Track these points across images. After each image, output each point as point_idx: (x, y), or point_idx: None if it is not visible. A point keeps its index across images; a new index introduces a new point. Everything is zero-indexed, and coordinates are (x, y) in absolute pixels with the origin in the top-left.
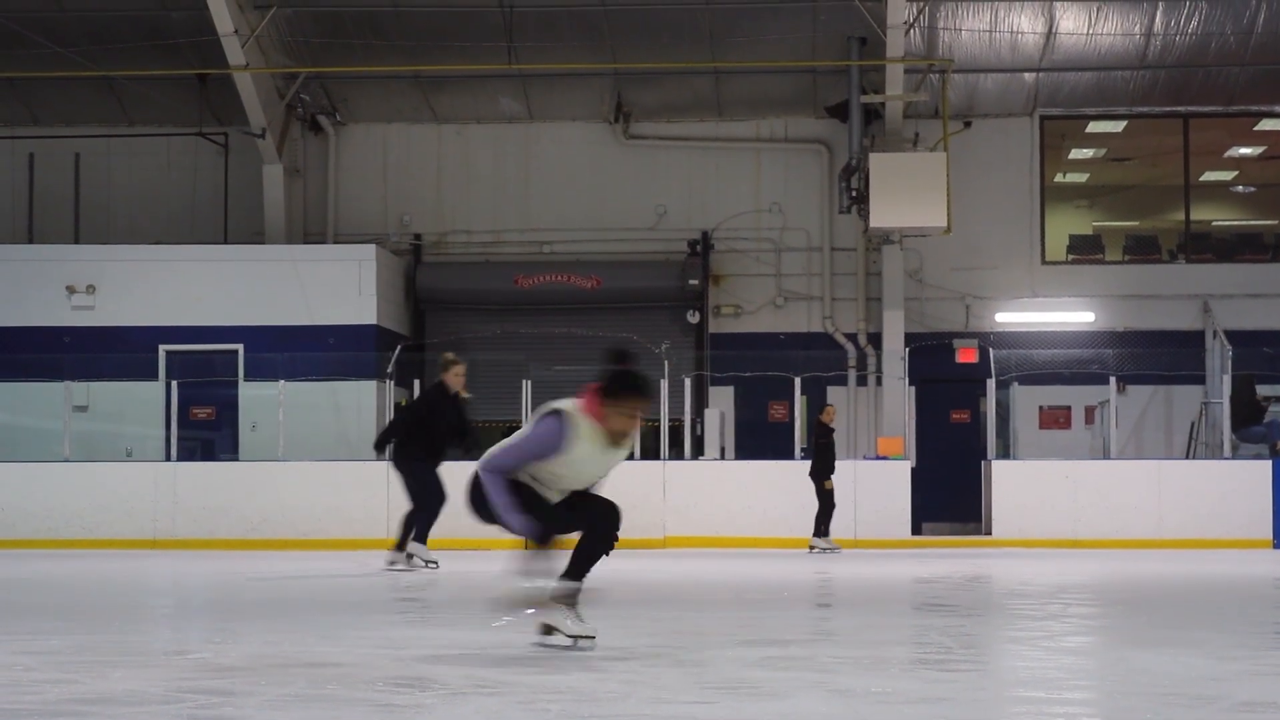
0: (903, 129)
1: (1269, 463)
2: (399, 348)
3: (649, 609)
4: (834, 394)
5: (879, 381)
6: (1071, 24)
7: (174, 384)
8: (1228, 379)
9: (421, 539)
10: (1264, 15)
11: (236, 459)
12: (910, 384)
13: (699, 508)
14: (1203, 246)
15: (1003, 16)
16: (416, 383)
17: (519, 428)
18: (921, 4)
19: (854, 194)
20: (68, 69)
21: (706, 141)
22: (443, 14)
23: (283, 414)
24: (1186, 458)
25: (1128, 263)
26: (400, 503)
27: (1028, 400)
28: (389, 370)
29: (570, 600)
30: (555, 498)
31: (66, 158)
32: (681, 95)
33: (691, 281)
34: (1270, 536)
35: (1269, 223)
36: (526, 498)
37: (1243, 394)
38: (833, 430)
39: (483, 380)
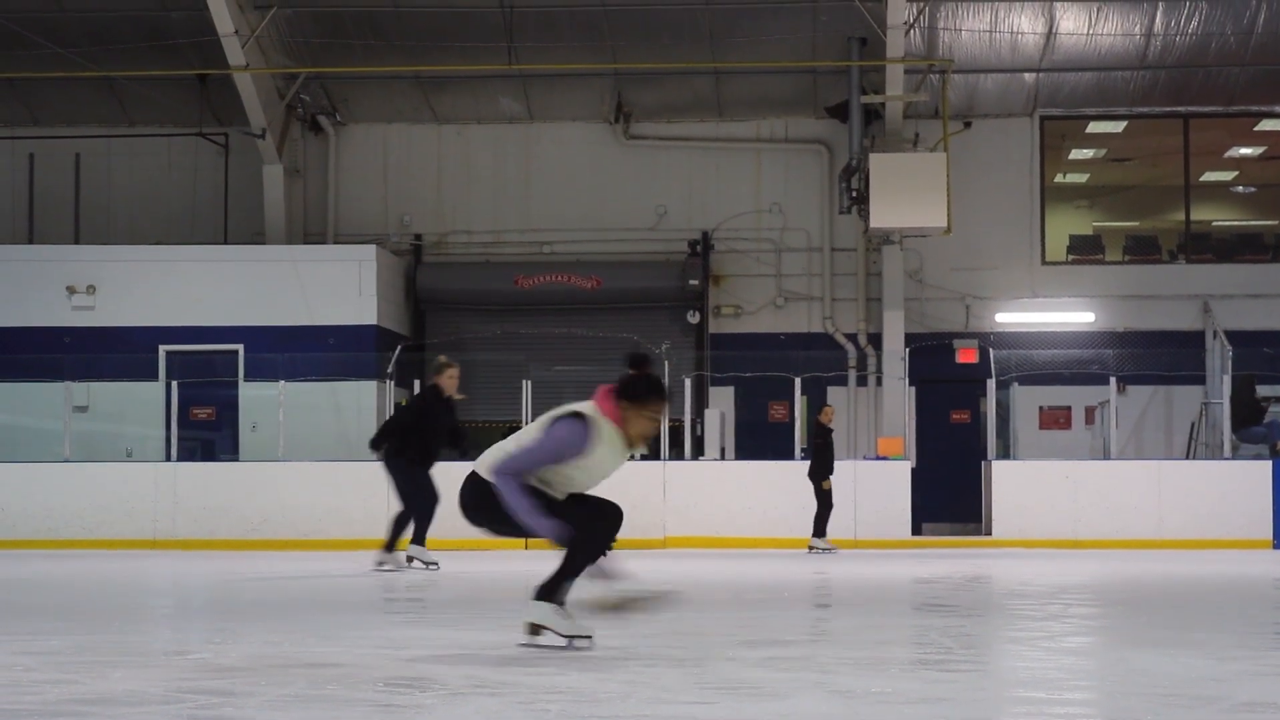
0: (903, 129)
1: (1269, 463)
2: (399, 348)
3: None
4: (834, 394)
5: (879, 382)
6: (1072, 24)
7: (174, 384)
8: (1228, 379)
9: (420, 541)
10: (1264, 15)
11: (237, 459)
12: (910, 384)
13: (699, 508)
14: (1203, 247)
15: (1003, 17)
16: (416, 383)
17: (519, 428)
18: (921, 4)
19: (854, 194)
20: (68, 69)
21: (707, 142)
22: (443, 14)
23: (283, 414)
24: (1187, 458)
25: (1128, 263)
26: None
27: (1028, 400)
28: (389, 370)
29: (563, 599)
30: (560, 500)
31: (67, 158)
32: (682, 95)
33: (692, 282)
34: (1270, 537)
35: (1269, 223)
36: (545, 501)
37: (1243, 394)
38: (831, 431)
39: (483, 380)
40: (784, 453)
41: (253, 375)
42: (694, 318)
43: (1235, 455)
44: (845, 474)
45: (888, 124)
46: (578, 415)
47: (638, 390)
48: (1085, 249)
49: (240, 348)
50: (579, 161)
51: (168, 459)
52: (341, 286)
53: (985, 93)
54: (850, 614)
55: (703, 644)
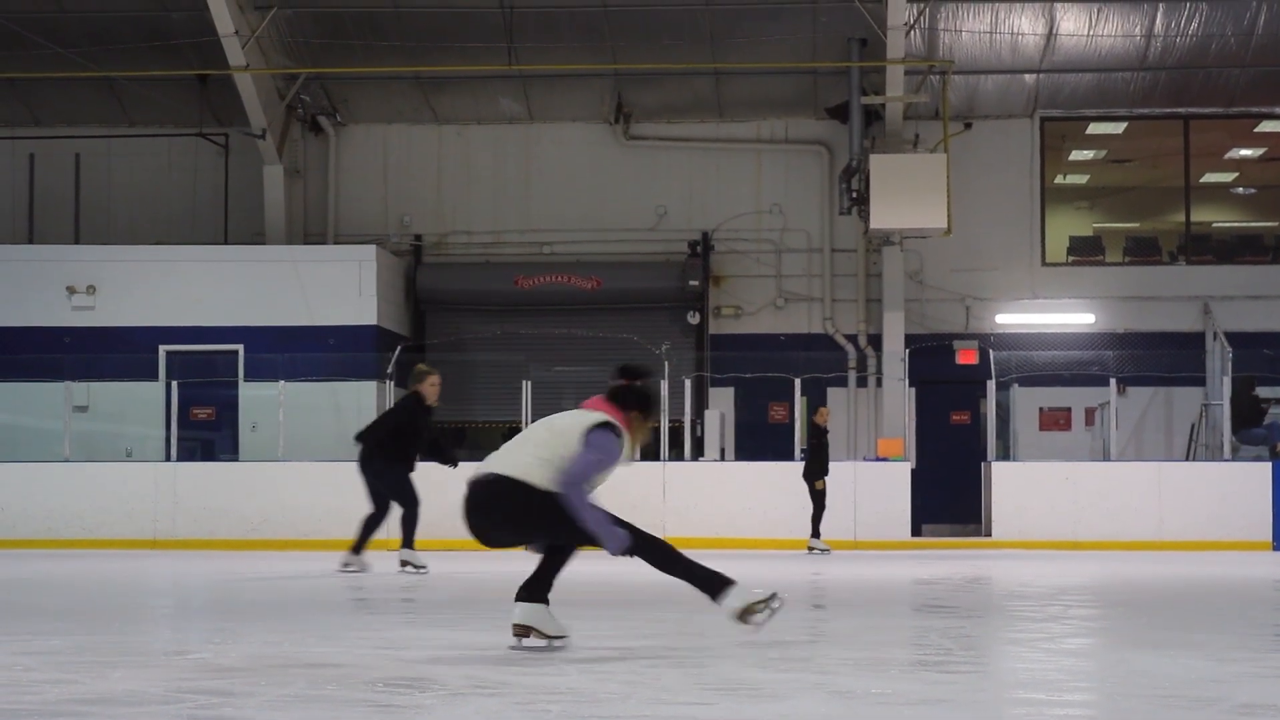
0: (903, 130)
1: (1269, 465)
2: (399, 348)
3: (649, 610)
4: (834, 395)
5: (879, 383)
6: (1072, 25)
7: (174, 384)
8: (1228, 381)
9: (409, 544)
10: (1264, 17)
11: (237, 459)
12: (910, 385)
13: (699, 509)
14: (1203, 248)
15: (1003, 18)
16: (439, 384)
17: (519, 429)
18: (922, 5)
19: (854, 195)
20: (68, 69)
21: (707, 142)
22: (443, 15)
23: (283, 414)
24: (1186, 459)
25: (1128, 264)
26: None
27: (1028, 402)
28: (389, 371)
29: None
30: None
31: (67, 158)
32: (682, 96)
33: (692, 282)
34: (1270, 539)
35: (1269, 224)
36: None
37: (1243, 396)
38: (826, 432)
39: (483, 381)
40: (784, 454)
41: (253, 375)
42: (694, 318)
43: (1235, 457)
44: (845, 475)
45: (888, 125)
46: (610, 426)
47: (645, 402)
48: (1085, 250)
49: (240, 348)
50: (579, 162)
51: (168, 459)
52: (341, 287)
53: (985, 94)
54: (850, 615)
55: (703, 645)
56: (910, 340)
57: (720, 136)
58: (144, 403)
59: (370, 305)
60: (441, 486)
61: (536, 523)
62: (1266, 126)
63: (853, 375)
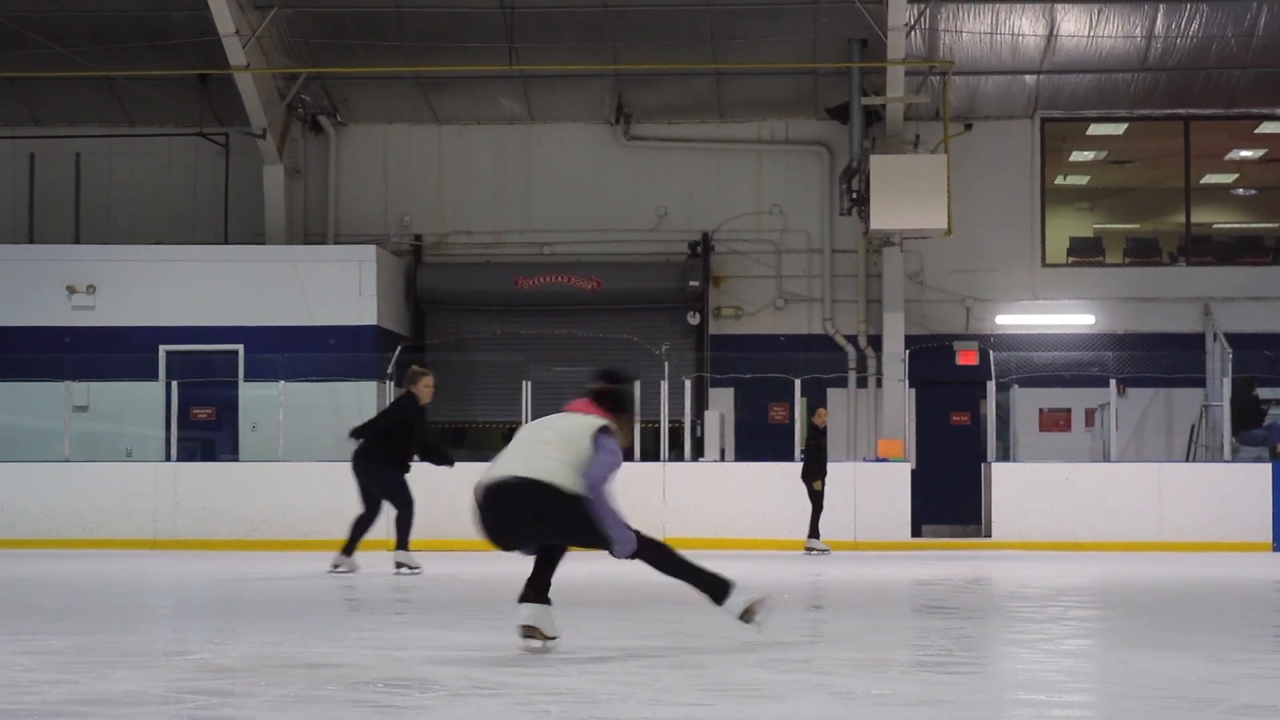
0: (903, 131)
1: (1269, 466)
2: (399, 349)
3: (648, 610)
4: (834, 396)
5: (879, 383)
6: (1072, 26)
7: (174, 384)
8: (1228, 382)
9: (404, 545)
10: (1265, 18)
11: (237, 459)
12: (910, 386)
13: (699, 509)
14: (1203, 249)
15: (1003, 19)
16: (433, 385)
17: (517, 429)
18: (922, 6)
19: (854, 196)
20: (68, 69)
21: (707, 143)
22: (443, 15)
23: (283, 414)
24: (1186, 460)
25: (1128, 265)
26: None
27: (1028, 402)
28: (389, 371)
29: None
30: None
31: (67, 158)
32: (682, 96)
33: (692, 283)
34: (1270, 539)
35: (1270, 225)
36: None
37: (1243, 397)
38: (824, 433)
39: (483, 381)
40: (784, 454)
41: (253, 375)
42: (694, 319)
43: (1235, 458)
44: (845, 475)
45: (888, 125)
46: (609, 430)
47: (629, 405)
48: (1086, 251)
49: (240, 348)
50: (579, 162)
51: (168, 459)
52: (342, 287)
53: (986, 94)
54: (850, 616)
55: (702, 646)
56: (910, 341)
57: (720, 137)
58: (144, 402)
59: (370, 305)
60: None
61: (563, 525)
62: (1267, 128)
63: (853, 376)
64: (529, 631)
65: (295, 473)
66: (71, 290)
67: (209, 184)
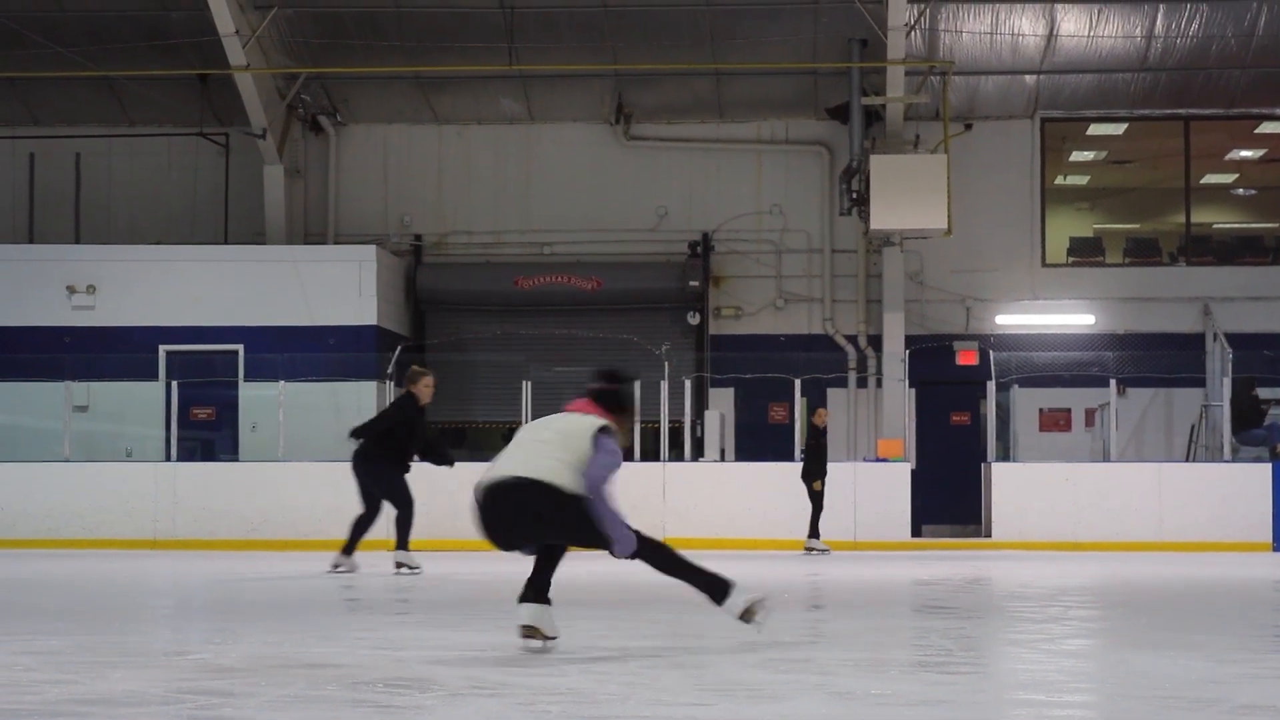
0: (903, 131)
1: (1269, 466)
2: (399, 349)
3: (648, 611)
4: (834, 396)
5: (879, 383)
6: (1072, 26)
7: (174, 384)
8: (1228, 382)
9: (404, 545)
10: (1265, 18)
11: (237, 459)
12: (910, 386)
13: (699, 509)
14: (1203, 249)
15: (1004, 19)
16: (433, 385)
17: (517, 429)
18: (922, 6)
19: (854, 196)
20: (68, 69)
21: (707, 143)
22: (443, 15)
23: (283, 414)
24: (1186, 460)
25: (1128, 265)
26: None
27: (1028, 402)
28: (389, 371)
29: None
30: None
31: (67, 158)
32: (682, 96)
33: (692, 283)
34: (1270, 539)
35: (1270, 225)
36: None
37: (1243, 397)
38: (824, 433)
39: (483, 381)
40: (784, 454)
41: (253, 375)
42: (694, 319)
43: (1235, 458)
44: (845, 476)
45: (888, 125)
46: (609, 430)
47: (628, 405)
48: (1086, 251)
49: (240, 348)
50: (579, 162)
51: (168, 459)
52: (342, 287)
53: (986, 94)
54: (850, 616)
55: (702, 646)
56: (910, 341)
57: (720, 137)
58: (144, 402)
59: (370, 305)
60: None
61: (564, 525)
62: (1267, 128)
63: (853, 376)
64: (529, 632)
65: (295, 473)
66: (71, 290)
67: (209, 184)
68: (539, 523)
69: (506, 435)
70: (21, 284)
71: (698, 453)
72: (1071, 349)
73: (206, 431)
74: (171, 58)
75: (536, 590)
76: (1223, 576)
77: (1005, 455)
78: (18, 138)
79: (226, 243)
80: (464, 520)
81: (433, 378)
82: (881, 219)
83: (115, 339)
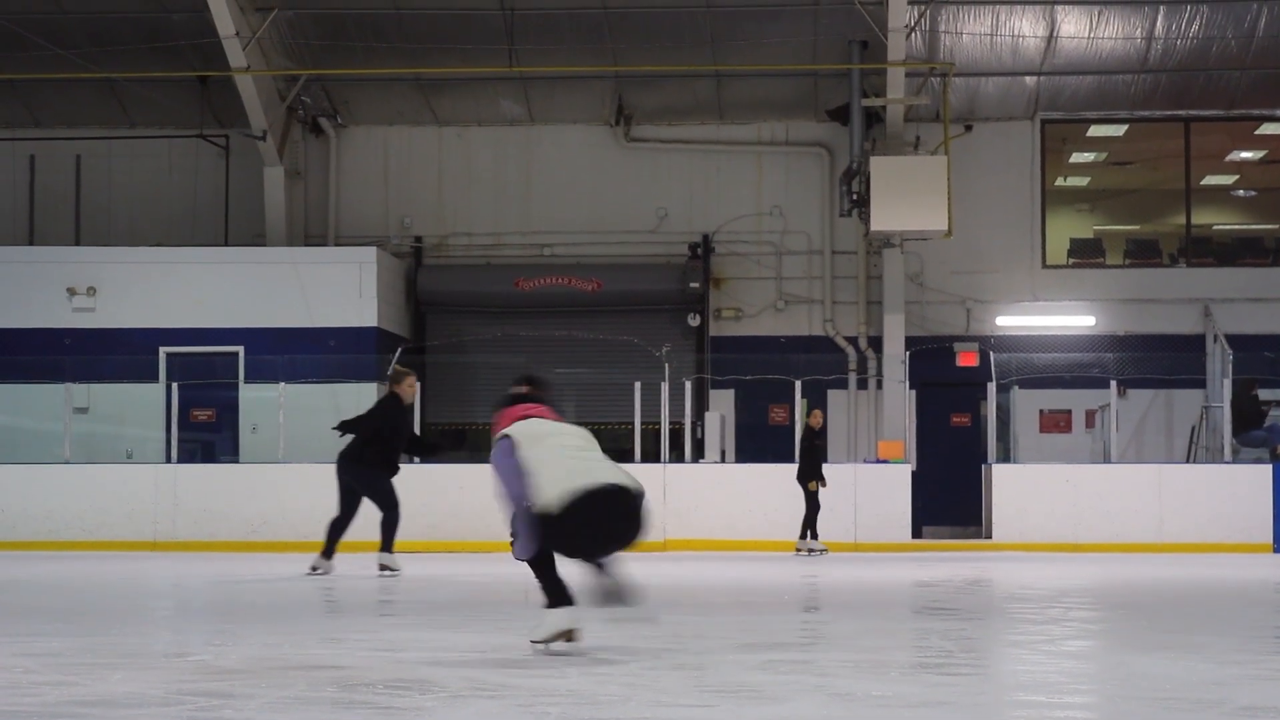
0: (904, 132)
1: (1269, 467)
2: (399, 350)
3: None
4: (834, 397)
5: (879, 385)
6: (1072, 28)
7: (174, 386)
8: (1228, 383)
9: (388, 548)
10: (1265, 19)
11: (237, 461)
12: (911, 387)
13: (699, 511)
14: (1203, 250)
15: (1004, 20)
16: (417, 385)
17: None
18: (923, 7)
19: (855, 197)
20: (69, 71)
21: (707, 144)
22: (444, 17)
23: (283, 416)
24: (1187, 462)
25: (1128, 266)
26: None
27: (1028, 404)
28: (389, 373)
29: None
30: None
31: (67, 159)
32: (682, 98)
33: (692, 284)
34: (1271, 541)
35: (1270, 227)
36: None
37: (1243, 398)
38: (819, 434)
39: (483, 383)
40: (784, 456)
41: (253, 377)
42: (694, 320)
43: (1236, 459)
44: (845, 477)
45: (888, 127)
46: None
47: None
48: (1086, 252)
49: (240, 349)
50: (579, 164)
51: (168, 461)
52: (342, 288)
53: (986, 96)
54: (850, 617)
55: (703, 647)
56: (911, 342)
57: (721, 138)
58: (144, 404)
59: (371, 307)
60: (441, 489)
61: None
62: (1267, 129)
63: (853, 377)
64: (573, 635)
65: (295, 474)
66: (72, 292)
67: (209, 186)
68: (638, 532)
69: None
70: (22, 285)
71: (698, 454)
72: (1072, 350)
73: (207, 433)
74: (172, 59)
75: (573, 593)
76: (1223, 578)
77: (1006, 457)
78: (18, 139)
79: (227, 244)
80: (464, 521)
81: (415, 377)
82: (882, 220)
83: (115, 341)
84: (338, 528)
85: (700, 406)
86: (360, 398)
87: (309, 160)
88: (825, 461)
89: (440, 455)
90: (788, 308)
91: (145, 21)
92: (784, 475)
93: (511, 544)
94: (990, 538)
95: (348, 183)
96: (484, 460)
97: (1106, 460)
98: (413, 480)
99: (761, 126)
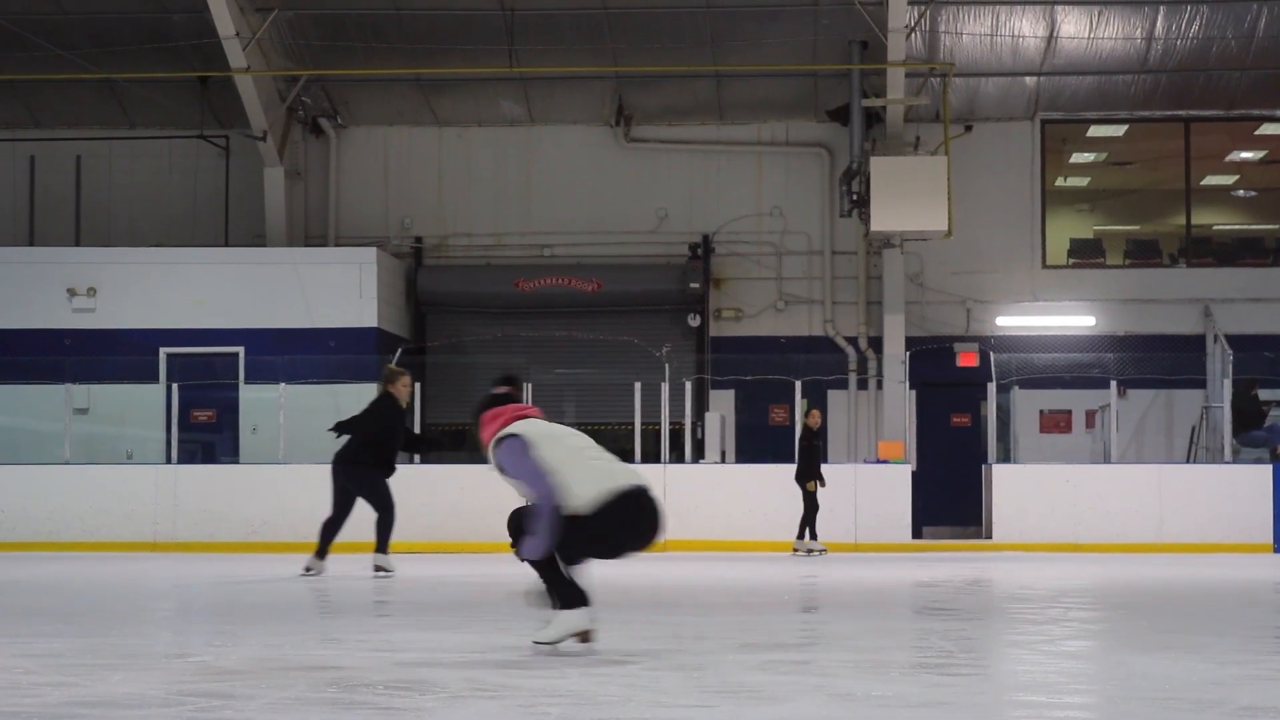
0: (904, 133)
1: (1269, 467)
2: (400, 351)
3: (649, 612)
4: (835, 398)
5: (879, 385)
6: (1072, 28)
7: (175, 386)
8: (1228, 383)
9: (383, 549)
10: (1265, 19)
11: (237, 462)
12: (911, 388)
13: (700, 511)
14: (1203, 251)
15: (1004, 20)
16: (418, 386)
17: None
18: (923, 8)
19: (855, 197)
20: (69, 71)
21: (707, 145)
22: (444, 17)
23: (283, 417)
24: (1187, 462)
25: (1128, 267)
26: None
27: (1028, 404)
28: (384, 372)
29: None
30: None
31: (68, 160)
32: (682, 98)
33: (692, 285)
34: (1271, 541)
35: (1270, 227)
36: None
37: (1244, 398)
38: (817, 434)
39: (483, 383)
40: (785, 456)
41: (253, 378)
42: (694, 321)
43: (1236, 459)
44: (845, 477)
45: (888, 127)
46: None
47: None
48: (1086, 252)
49: (241, 350)
50: (580, 164)
51: (168, 461)
52: (342, 289)
53: (986, 96)
54: (850, 617)
55: (703, 647)
56: (911, 343)
57: (721, 139)
58: (144, 405)
59: (371, 307)
60: (441, 490)
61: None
62: (1267, 129)
63: (853, 378)
64: (589, 636)
65: (296, 475)
66: (72, 292)
67: (209, 186)
68: (658, 534)
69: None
70: (22, 286)
71: (698, 455)
72: (1072, 350)
73: (207, 434)
74: (172, 60)
75: (588, 592)
76: (1223, 578)
77: (1006, 457)
78: (18, 140)
79: (227, 245)
80: (465, 521)
81: (409, 376)
82: (882, 221)
83: (116, 341)
84: (331, 528)
85: (700, 407)
86: (361, 398)
87: (309, 161)
88: (824, 462)
89: (439, 450)
90: (788, 308)
91: (145, 22)
92: (784, 476)
93: (515, 545)
94: (990, 538)
95: (348, 183)
96: (484, 461)
97: (1107, 460)
98: (412, 481)
99: (761, 127)
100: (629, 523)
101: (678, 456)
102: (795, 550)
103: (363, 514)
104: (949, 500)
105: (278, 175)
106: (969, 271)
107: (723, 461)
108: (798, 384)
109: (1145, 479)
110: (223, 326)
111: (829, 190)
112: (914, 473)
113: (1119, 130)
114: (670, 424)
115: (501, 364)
